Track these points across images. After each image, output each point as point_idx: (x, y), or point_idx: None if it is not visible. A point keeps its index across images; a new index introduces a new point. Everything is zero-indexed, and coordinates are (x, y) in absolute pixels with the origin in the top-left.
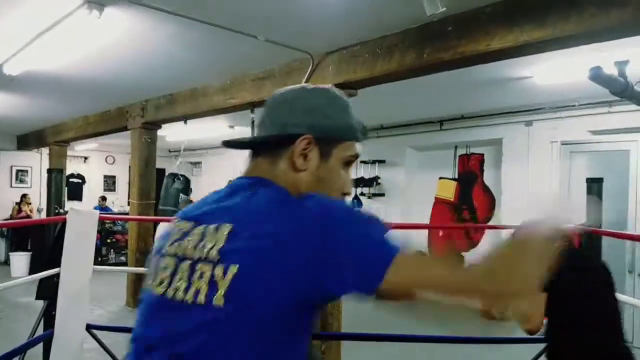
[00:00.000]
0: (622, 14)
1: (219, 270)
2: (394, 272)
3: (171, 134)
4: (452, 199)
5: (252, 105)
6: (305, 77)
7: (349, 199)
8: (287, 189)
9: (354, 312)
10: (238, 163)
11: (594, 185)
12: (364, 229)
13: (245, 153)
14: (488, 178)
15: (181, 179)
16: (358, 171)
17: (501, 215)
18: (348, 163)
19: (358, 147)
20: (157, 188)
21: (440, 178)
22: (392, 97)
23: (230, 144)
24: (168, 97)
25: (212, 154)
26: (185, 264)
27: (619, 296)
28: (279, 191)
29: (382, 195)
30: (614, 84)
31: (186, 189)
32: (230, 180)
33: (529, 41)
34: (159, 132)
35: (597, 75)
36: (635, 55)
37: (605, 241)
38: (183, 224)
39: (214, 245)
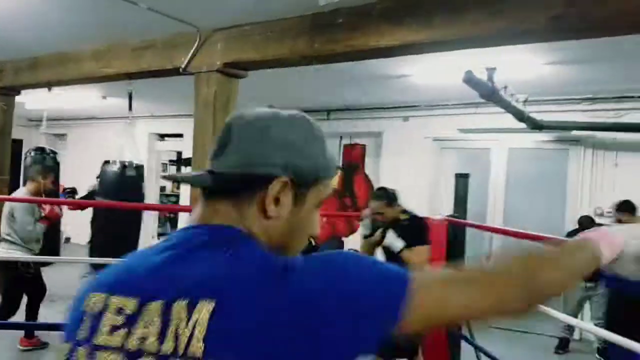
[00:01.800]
0: (501, 23)
1: None
2: (415, 302)
3: (32, 101)
4: (336, 187)
5: (129, 76)
6: (191, 53)
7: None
8: (257, 238)
9: None
10: (108, 136)
11: (461, 180)
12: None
13: (121, 126)
14: (369, 168)
15: (50, 155)
16: None
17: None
18: (320, 204)
19: (331, 184)
20: (14, 161)
21: None
22: (281, 83)
23: (178, 180)
24: (31, 60)
25: (79, 125)
26: None
27: None
28: (263, 250)
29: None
30: (484, 87)
31: (54, 167)
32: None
33: (415, 41)
34: (18, 99)
35: (469, 79)
36: (503, 62)
37: (469, 231)
38: (119, 300)
39: (192, 333)
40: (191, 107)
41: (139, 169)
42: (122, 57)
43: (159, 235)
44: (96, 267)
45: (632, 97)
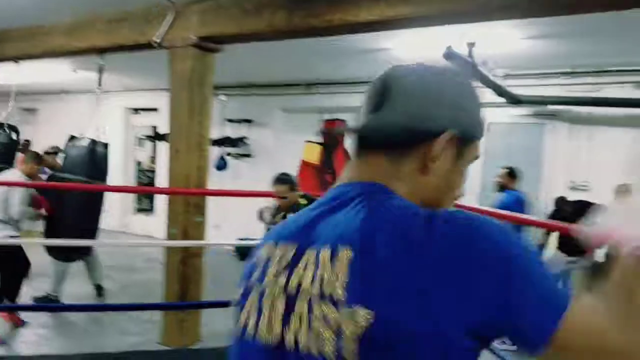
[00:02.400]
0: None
1: (346, 315)
2: (570, 327)
3: (0, 74)
4: (317, 163)
5: (101, 51)
6: (166, 27)
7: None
8: (409, 197)
9: (214, 280)
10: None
11: None
12: (543, 279)
13: (90, 102)
14: (349, 144)
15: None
16: (224, 130)
17: None
18: (471, 162)
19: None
20: None
21: (307, 141)
22: (263, 55)
23: (336, 134)
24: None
25: (51, 100)
26: (301, 303)
27: None
28: (409, 205)
29: (250, 156)
30: (464, 64)
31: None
32: (332, 186)
33: (394, 16)
34: None
35: (450, 55)
36: (482, 36)
37: None
38: (282, 248)
39: (335, 279)
40: (166, 80)
41: (104, 144)
42: (93, 31)
43: (138, 210)
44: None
45: (610, 71)
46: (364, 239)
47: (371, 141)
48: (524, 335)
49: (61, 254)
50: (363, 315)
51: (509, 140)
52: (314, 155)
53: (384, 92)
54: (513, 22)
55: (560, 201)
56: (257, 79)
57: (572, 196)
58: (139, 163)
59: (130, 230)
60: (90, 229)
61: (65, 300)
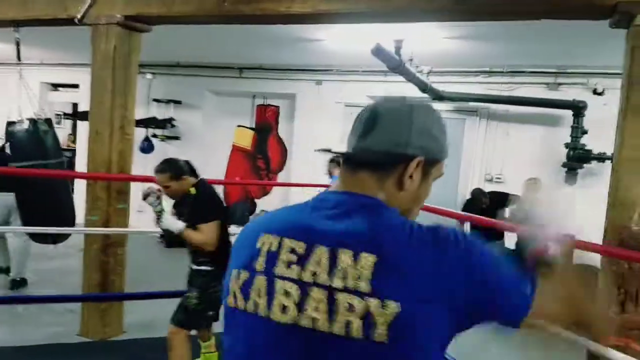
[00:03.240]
0: (402, 1)
1: (374, 305)
2: (535, 308)
3: None
4: (249, 148)
5: (16, 24)
6: (88, 2)
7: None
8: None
9: (138, 268)
10: None
11: None
12: (507, 268)
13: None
14: (282, 130)
15: None
16: (150, 111)
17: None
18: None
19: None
20: None
21: (238, 126)
22: (194, 35)
23: (336, 158)
24: None
25: None
26: (318, 292)
27: None
28: (405, 221)
29: (178, 138)
30: (391, 60)
31: None
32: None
33: (327, 10)
34: None
35: (378, 51)
36: (410, 34)
37: None
38: (290, 242)
39: (359, 276)
40: (88, 55)
41: (49, 121)
42: (8, 2)
43: None
44: None
45: (523, 72)
46: (386, 246)
47: (361, 160)
48: (502, 319)
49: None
50: (393, 306)
51: None
52: (246, 140)
53: (373, 120)
54: (438, 23)
55: (477, 192)
56: (187, 59)
57: (488, 188)
58: None
59: None
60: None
61: None
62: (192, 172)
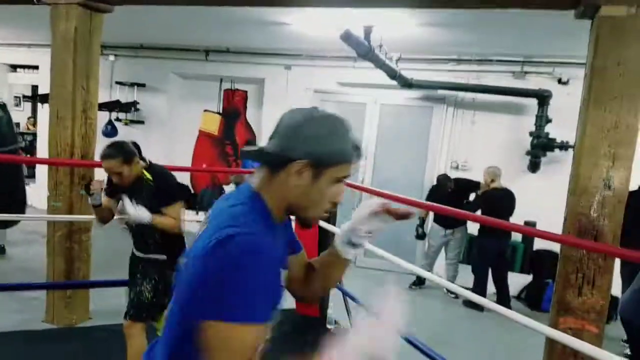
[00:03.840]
0: None
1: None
2: (209, 330)
3: None
4: (216, 134)
5: None
6: None
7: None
8: (276, 199)
9: (104, 255)
10: None
11: None
12: (233, 298)
13: None
14: (250, 116)
15: None
16: (113, 94)
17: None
18: (339, 180)
19: (350, 167)
20: None
21: (205, 111)
22: (159, 16)
23: (246, 156)
24: None
25: None
26: None
27: None
28: (245, 208)
29: (142, 122)
30: (361, 46)
31: None
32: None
33: None
34: None
35: (348, 37)
36: (379, 20)
37: None
38: (207, 214)
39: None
40: (48, 35)
41: (3, 106)
42: None
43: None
44: None
45: (491, 60)
46: (210, 221)
47: (261, 159)
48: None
49: None
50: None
51: (399, 120)
52: (213, 125)
53: (277, 126)
54: (408, 9)
55: (442, 177)
56: (151, 40)
57: (454, 175)
58: (17, 125)
59: None
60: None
61: None
62: (140, 154)
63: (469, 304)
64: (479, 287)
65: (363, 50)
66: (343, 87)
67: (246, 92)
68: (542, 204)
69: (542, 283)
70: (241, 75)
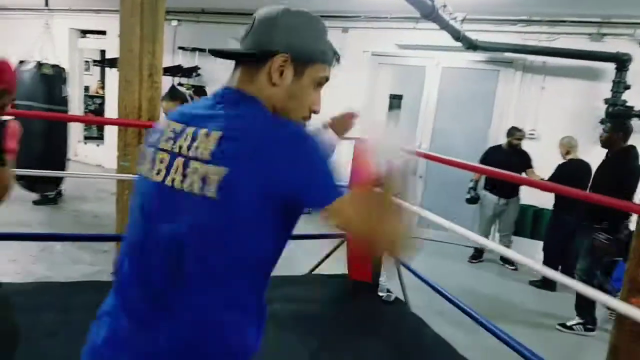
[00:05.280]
0: None
1: (210, 169)
2: (336, 207)
3: None
4: None
5: None
6: None
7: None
8: (265, 102)
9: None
10: (25, 28)
11: (395, 101)
12: (323, 166)
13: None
14: None
15: None
16: (176, 58)
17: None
18: (319, 84)
19: (329, 70)
20: None
21: None
22: None
23: (215, 53)
24: None
25: None
26: (180, 160)
27: None
28: (261, 109)
29: (203, 87)
30: (424, 6)
31: None
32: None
33: None
34: None
35: None
36: None
37: None
38: (174, 124)
39: (206, 147)
40: (114, 1)
41: (57, 68)
42: None
43: (85, 138)
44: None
45: (564, 21)
46: (230, 126)
47: (238, 59)
48: (308, 204)
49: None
50: (222, 170)
51: (462, 85)
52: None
53: (251, 25)
54: None
55: (512, 129)
56: (212, 5)
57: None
58: (86, 88)
59: (79, 159)
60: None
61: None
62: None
63: (537, 283)
64: (551, 266)
65: (426, 10)
66: (402, 50)
67: None
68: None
69: (611, 261)
70: None
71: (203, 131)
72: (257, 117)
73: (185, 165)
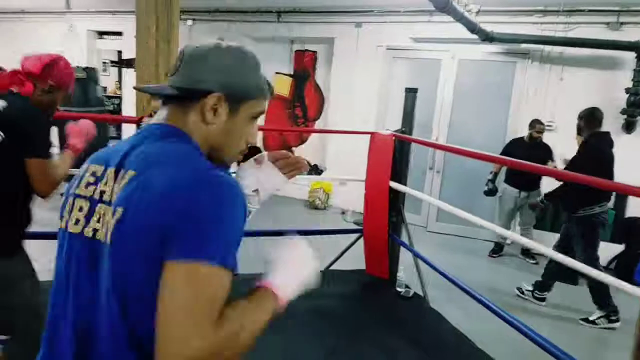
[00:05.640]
0: None
1: (110, 212)
2: (203, 271)
3: None
4: (287, 95)
5: None
6: None
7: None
8: (198, 140)
9: None
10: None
11: (410, 95)
12: (223, 229)
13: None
14: (319, 76)
15: None
16: None
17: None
18: (254, 117)
19: (264, 103)
20: None
21: (277, 73)
22: None
23: (143, 91)
24: None
25: (8, 20)
26: (99, 206)
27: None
28: (187, 147)
29: None
30: None
31: None
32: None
33: None
34: None
35: None
36: None
37: (413, 144)
38: (95, 167)
39: (117, 190)
40: (130, 2)
41: (89, 69)
42: None
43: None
44: None
45: (582, 11)
46: (144, 164)
47: (169, 96)
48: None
49: None
50: (117, 212)
51: (478, 77)
52: (284, 87)
53: (180, 60)
54: None
55: (534, 121)
56: (227, 4)
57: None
58: (104, 89)
59: None
60: None
61: None
62: None
63: (559, 277)
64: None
65: (440, 2)
66: (417, 43)
67: (315, 52)
68: (638, 166)
69: (635, 253)
70: (311, 35)
71: (121, 172)
72: (175, 155)
73: (102, 212)
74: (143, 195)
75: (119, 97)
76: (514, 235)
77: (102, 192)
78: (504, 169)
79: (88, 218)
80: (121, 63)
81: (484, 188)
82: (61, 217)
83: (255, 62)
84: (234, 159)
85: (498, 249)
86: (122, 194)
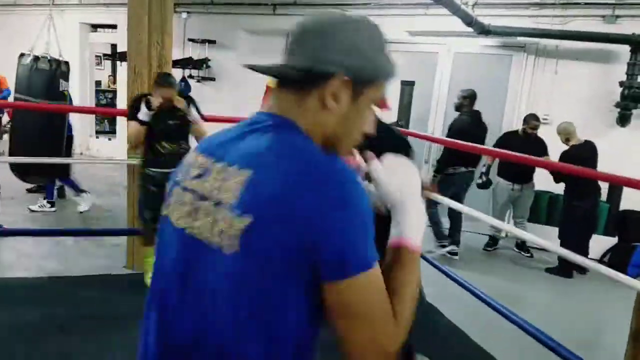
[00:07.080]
0: None
1: (234, 217)
2: (353, 284)
3: None
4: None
5: None
6: None
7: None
8: (311, 130)
9: None
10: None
11: (407, 88)
12: (359, 230)
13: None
14: None
15: None
16: (186, 51)
17: None
18: (374, 103)
19: (386, 86)
20: None
21: None
22: None
23: (255, 69)
24: None
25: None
26: (205, 204)
27: None
28: (303, 140)
29: (213, 79)
30: None
31: None
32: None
33: None
34: None
35: None
36: None
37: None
38: (203, 159)
39: (232, 190)
40: None
41: (56, 62)
42: None
43: (97, 132)
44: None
45: (577, 4)
46: (263, 164)
47: (284, 80)
48: (324, 269)
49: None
50: (244, 219)
51: (474, 70)
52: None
53: (298, 38)
54: None
55: (529, 116)
56: None
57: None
58: (98, 83)
59: (91, 154)
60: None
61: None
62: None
63: (554, 270)
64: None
65: None
66: (413, 37)
67: None
68: (632, 159)
69: (628, 246)
70: None
71: (232, 169)
72: (296, 152)
73: (210, 211)
74: (272, 206)
75: (113, 91)
76: (511, 227)
77: (211, 189)
78: (497, 161)
79: (192, 214)
80: (115, 56)
81: (477, 181)
82: (167, 204)
83: (383, 39)
84: (348, 152)
85: (493, 243)
86: (244, 198)
